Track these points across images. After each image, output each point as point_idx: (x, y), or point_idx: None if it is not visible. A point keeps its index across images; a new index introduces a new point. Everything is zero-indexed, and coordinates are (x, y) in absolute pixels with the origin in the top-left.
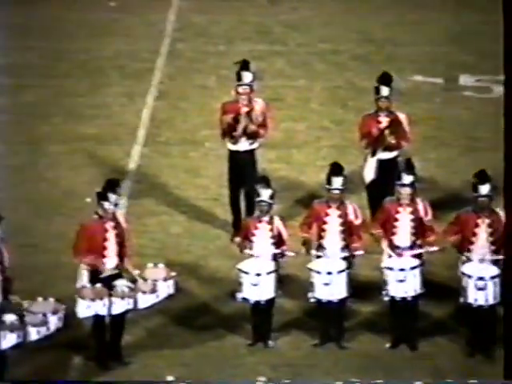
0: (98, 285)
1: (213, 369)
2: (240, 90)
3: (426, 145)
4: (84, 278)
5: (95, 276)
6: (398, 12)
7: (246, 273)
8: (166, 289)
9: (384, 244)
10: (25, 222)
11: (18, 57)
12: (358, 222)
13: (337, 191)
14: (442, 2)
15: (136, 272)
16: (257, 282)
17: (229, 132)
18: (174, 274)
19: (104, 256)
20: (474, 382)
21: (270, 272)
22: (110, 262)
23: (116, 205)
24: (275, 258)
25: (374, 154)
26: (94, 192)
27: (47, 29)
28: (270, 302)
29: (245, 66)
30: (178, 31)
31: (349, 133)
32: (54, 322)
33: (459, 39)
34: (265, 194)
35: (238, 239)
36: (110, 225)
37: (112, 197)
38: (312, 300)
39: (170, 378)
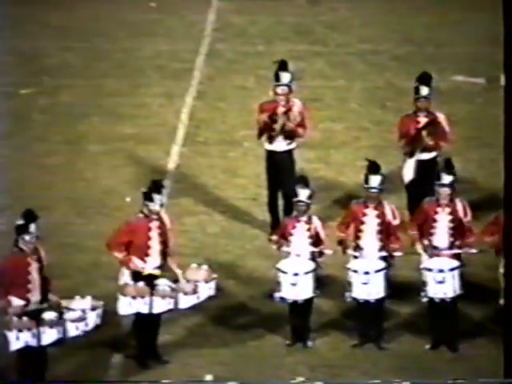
0: (141, 283)
1: (251, 368)
2: (278, 90)
3: (467, 145)
4: (126, 276)
5: (137, 274)
6: (438, 12)
7: (284, 272)
8: (207, 290)
9: (418, 246)
10: (64, 221)
11: (57, 57)
12: (396, 222)
13: (375, 190)
14: (482, 2)
15: (179, 272)
16: (295, 282)
17: (266, 131)
18: (215, 276)
19: (147, 255)
20: (474, 382)
21: (308, 272)
22: (153, 261)
23: (161, 205)
24: (313, 257)
25: (412, 154)
26: (134, 191)
27: (87, 29)
28: (309, 301)
29: (283, 66)
30: (217, 31)
31: (388, 133)
32: (92, 318)
33: (500, 39)
34: (303, 194)
35: (275, 237)
36: (154, 224)
37: (156, 197)
38: (348, 299)
39: (208, 378)
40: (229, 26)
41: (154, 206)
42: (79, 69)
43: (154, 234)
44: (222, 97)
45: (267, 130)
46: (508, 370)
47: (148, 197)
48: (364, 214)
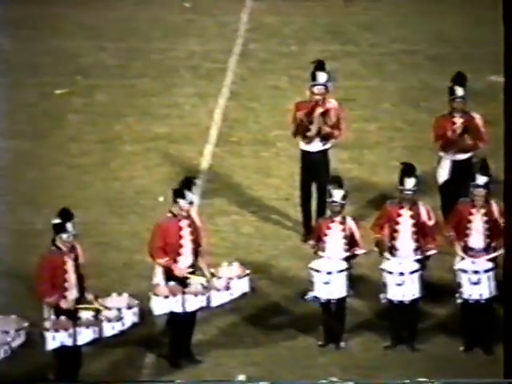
0: (172, 283)
1: (284, 369)
2: (315, 90)
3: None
4: (159, 276)
5: (170, 274)
6: (473, 12)
7: (317, 271)
8: (240, 287)
9: (457, 247)
10: (98, 221)
11: (92, 57)
12: (431, 223)
13: (409, 192)
14: None
15: (210, 270)
16: (328, 280)
17: (302, 131)
18: (248, 271)
19: (179, 254)
20: (474, 382)
21: (342, 270)
22: (185, 260)
23: (191, 203)
24: (348, 258)
25: (448, 155)
26: (167, 191)
27: (122, 29)
28: (341, 301)
29: (320, 66)
30: (250, 32)
31: (421, 133)
32: (129, 316)
33: None
34: (337, 194)
35: (311, 242)
36: (184, 223)
37: (188, 194)
38: (383, 301)
39: (241, 378)
40: (262, 27)
41: (185, 204)
42: (114, 69)
43: (186, 233)
44: (254, 97)
45: (303, 130)
46: (508, 369)
47: (179, 194)
48: (399, 215)
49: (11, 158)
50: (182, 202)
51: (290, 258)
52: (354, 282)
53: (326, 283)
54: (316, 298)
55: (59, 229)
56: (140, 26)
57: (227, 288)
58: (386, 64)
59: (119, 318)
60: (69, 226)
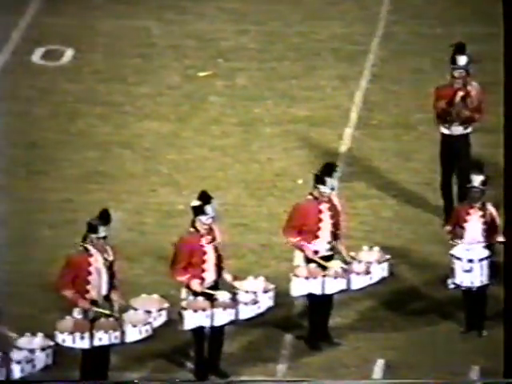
0: (313, 264)
1: (424, 354)
2: (455, 73)
3: None
4: (299, 258)
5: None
6: None
7: (458, 259)
8: (380, 271)
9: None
10: (237, 202)
11: (233, 40)
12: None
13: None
14: None
15: (350, 254)
16: (469, 269)
17: (443, 117)
18: (388, 256)
19: (317, 237)
20: (474, 382)
21: (483, 258)
22: (325, 243)
23: (332, 189)
24: (488, 244)
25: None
26: (306, 174)
27: (263, 13)
28: (483, 289)
29: (460, 49)
30: (392, 14)
31: None
32: (265, 300)
33: None
34: (477, 179)
35: (448, 228)
36: (325, 206)
37: (329, 180)
38: (451, 286)
39: (379, 362)
40: (405, 8)
41: (326, 190)
42: (254, 52)
43: (325, 217)
44: (396, 80)
45: (444, 114)
46: (508, 369)
47: (320, 180)
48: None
49: (154, 140)
50: (322, 188)
51: (431, 243)
52: (496, 269)
53: (467, 271)
54: (457, 285)
55: (198, 211)
56: (281, 9)
57: (367, 272)
58: None
59: (255, 302)
60: (208, 208)
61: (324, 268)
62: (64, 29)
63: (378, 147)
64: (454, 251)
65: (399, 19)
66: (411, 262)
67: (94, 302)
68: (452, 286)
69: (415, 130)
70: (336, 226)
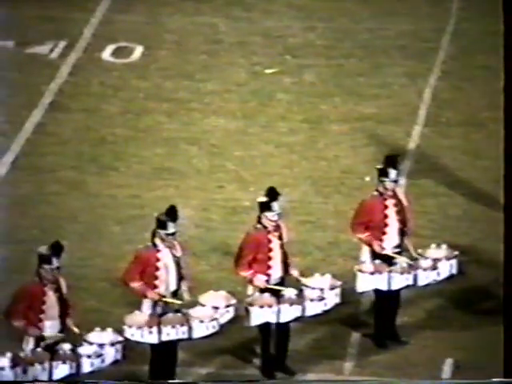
0: (378, 261)
1: (492, 354)
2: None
3: None
4: (365, 253)
5: (376, 252)
6: None
7: None
8: (448, 267)
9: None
10: (304, 199)
11: (301, 37)
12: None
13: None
14: None
15: (417, 251)
16: None
17: None
18: (456, 253)
19: (384, 233)
20: (474, 382)
21: None
22: (391, 240)
23: (395, 181)
24: None
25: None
26: (374, 171)
27: (331, 9)
28: None
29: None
30: (462, 10)
31: None
32: (331, 297)
33: None
34: None
35: None
36: (390, 202)
37: (392, 172)
38: None
39: (448, 362)
40: (475, 5)
41: (389, 182)
42: (322, 49)
43: (391, 213)
44: (466, 77)
45: None
46: (508, 369)
47: (383, 172)
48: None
49: (221, 137)
50: (386, 180)
51: (499, 242)
52: None
53: None
54: None
55: (265, 207)
56: (349, 5)
57: (434, 268)
58: None
59: (321, 298)
60: (274, 204)
61: (390, 264)
62: (134, 26)
63: (446, 145)
64: None
65: (470, 16)
66: (480, 261)
67: (162, 297)
68: None
69: (484, 127)
70: (403, 222)
